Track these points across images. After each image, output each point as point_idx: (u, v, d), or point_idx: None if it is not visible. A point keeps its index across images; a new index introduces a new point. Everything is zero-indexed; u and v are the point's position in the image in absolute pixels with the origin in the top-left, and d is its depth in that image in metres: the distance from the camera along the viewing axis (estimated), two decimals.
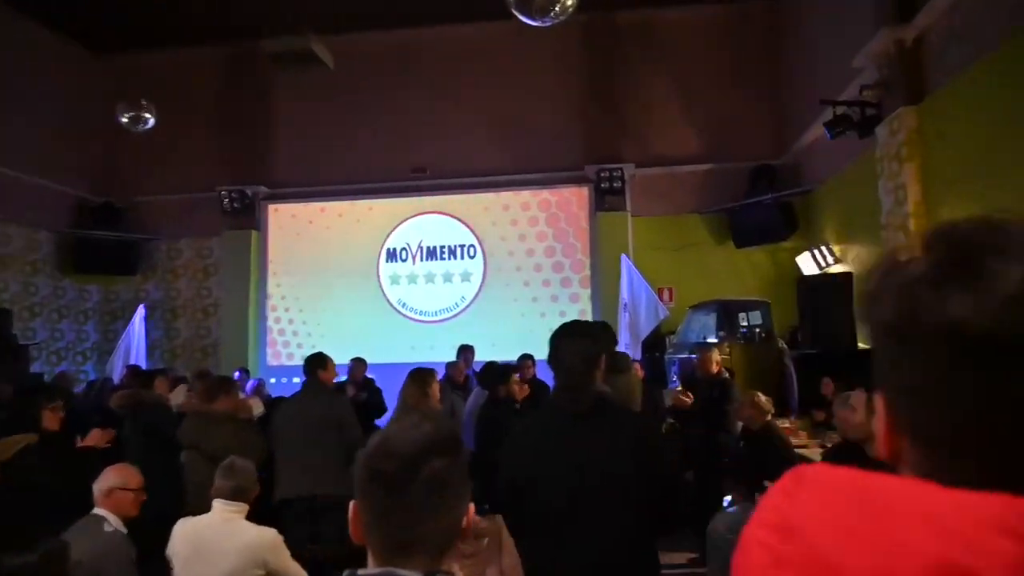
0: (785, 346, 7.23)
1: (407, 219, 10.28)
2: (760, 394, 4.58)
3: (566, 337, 2.35)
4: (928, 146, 5.71)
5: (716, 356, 5.38)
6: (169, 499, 3.84)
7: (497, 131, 10.20)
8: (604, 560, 2.10)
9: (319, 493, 3.81)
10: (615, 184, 9.58)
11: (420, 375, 4.08)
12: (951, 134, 5.45)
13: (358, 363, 7.30)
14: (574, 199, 10.06)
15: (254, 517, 3.94)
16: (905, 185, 5.83)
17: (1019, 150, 4.78)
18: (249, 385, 7.85)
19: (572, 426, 2.21)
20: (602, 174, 9.57)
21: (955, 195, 5.40)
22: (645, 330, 7.89)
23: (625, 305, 8.36)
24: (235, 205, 10.20)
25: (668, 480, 2.28)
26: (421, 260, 10.22)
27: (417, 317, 10.13)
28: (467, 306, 10.07)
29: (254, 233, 10.40)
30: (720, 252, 9.74)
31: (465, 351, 7.62)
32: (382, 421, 6.10)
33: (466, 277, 10.12)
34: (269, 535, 2.97)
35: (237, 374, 8.07)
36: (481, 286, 10.08)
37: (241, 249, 10.31)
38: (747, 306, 7.50)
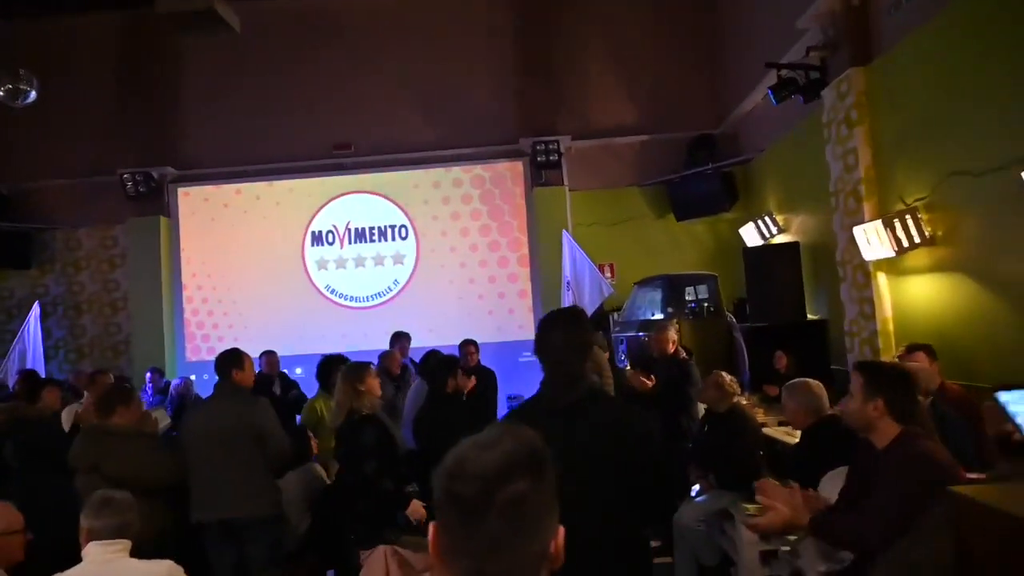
0: (734, 320, 7.04)
1: (332, 199, 9.60)
2: (724, 374, 4.29)
3: (555, 327, 2.19)
4: (878, 109, 5.53)
5: (673, 334, 5.08)
6: (62, 534, 3.24)
7: (425, 103, 9.61)
8: (603, 555, 1.98)
9: (238, 515, 3.27)
10: (551, 157, 9.17)
11: (352, 372, 3.58)
12: (902, 96, 5.27)
13: (269, 357, 6.70)
14: (509, 174, 9.61)
15: (173, 543, 3.40)
16: (856, 149, 5.64)
17: (971, 110, 4.61)
18: (173, 385, 7.05)
19: (565, 420, 2.02)
20: (538, 147, 9.15)
21: (907, 159, 5.23)
22: (590, 308, 7.54)
23: (568, 283, 8.00)
24: (140, 189, 9.27)
25: (663, 470, 2.19)
26: (349, 243, 9.58)
27: (348, 303, 9.52)
28: (401, 290, 9.52)
29: (163, 219, 9.49)
30: (660, 226, 9.51)
31: (400, 339, 7.13)
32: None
33: (398, 259, 9.56)
34: (162, 569, 2.46)
35: (148, 375, 7.32)
36: (415, 268, 9.54)
37: (149, 237, 9.39)
38: (694, 280, 7.27)
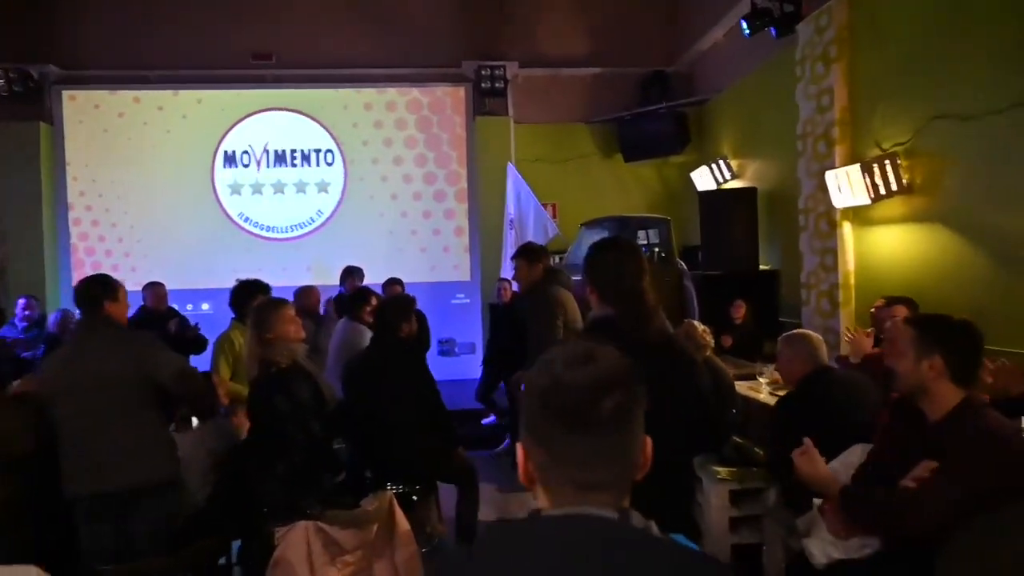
0: (684, 267, 6.67)
1: (248, 116, 8.56)
2: (696, 323, 3.86)
3: (632, 256, 2.02)
4: (859, 45, 5.12)
5: None
6: None
7: (361, 14, 8.62)
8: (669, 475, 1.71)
9: (121, 486, 2.57)
10: (497, 84, 8.44)
11: (258, 316, 2.88)
12: (887, 32, 4.86)
13: (155, 290, 5.83)
14: (449, 100, 8.82)
15: (41, 521, 2.69)
16: (832, 89, 5.24)
17: (960, 49, 4.25)
18: (52, 319, 6.06)
19: (648, 355, 1.52)
20: (483, 71, 8.39)
21: (887, 101, 4.87)
22: None
23: (511, 221, 7.43)
24: (15, 88, 7.94)
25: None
26: (268, 166, 8.62)
27: (264, 234, 8.61)
28: (325, 222, 8.69)
29: (43, 126, 8.21)
30: (607, 166, 9.01)
31: (352, 276, 6.42)
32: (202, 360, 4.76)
33: (323, 187, 8.69)
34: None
35: (22, 302, 6.31)
36: (341, 199, 8.70)
37: (27, 145, 8.10)
38: (646, 223, 6.83)
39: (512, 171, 7.71)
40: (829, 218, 5.31)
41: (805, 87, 5.60)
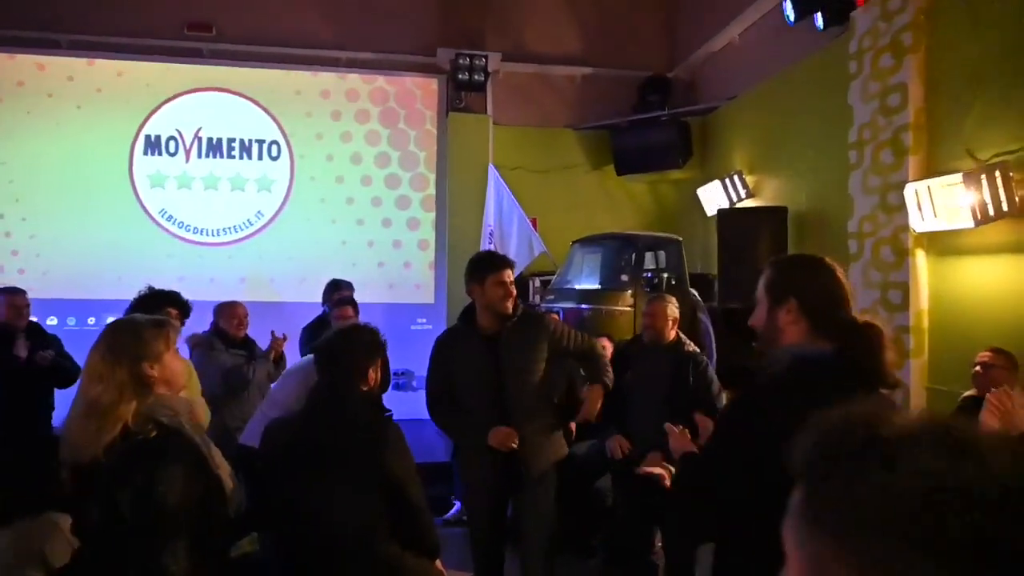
0: (699, 297, 5.59)
1: (178, 96, 7.20)
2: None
3: (834, 272, 1.65)
4: (942, 31, 4.15)
5: (673, 311, 3.46)
6: None
7: None
8: None
9: None
10: (476, 77, 7.30)
11: (126, 332, 1.66)
12: (983, 12, 3.90)
13: (11, 299, 4.12)
14: (419, 92, 7.63)
15: None
16: (905, 86, 4.24)
17: None
18: None
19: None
20: (460, 61, 7.24)
21: (985, 100, 3.88)
22: (518, 268, 5.84)
23: (490, 234, 6.25)
24: None
25: None
26: (199, 156, 7.24)
27: (190, 236, 7.20)
28: (265, 225, 7.33)
29: None
30: (596, 179, 7.94)
31: (340, 290, 4.82)
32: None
33: (265, 185, 7.35)
34: None
35: None
36: (286, 199, 7.38)
37: None
38: (655, 243, 5.72)
39: (494, 175, 6.56)
40: (896, 245, 4.29)
41: (863, 85, 4.61)
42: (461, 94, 7.44)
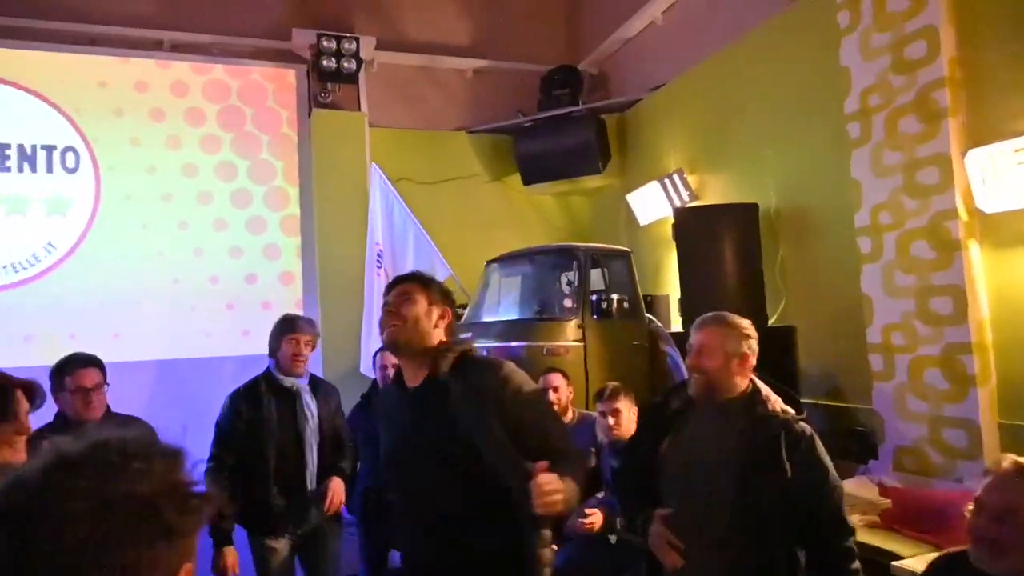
0: (659, 325, 4.34)
1: None
2: None
3: None
4: None
5: (737, 344, 2.07)
6: None
7: None
8: None
9: None
10: (346, 65, 5.80)
11: None
12: None
13: None
14: (271, 86, 5.99)
15: None
16: (935, 28, 3.25)
17: None
18: None
19: None
20: (325, 43, 5.72)
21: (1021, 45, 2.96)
22: None
23: (379, 255, 4.70)
24: None
25: None
26: None
27: None
28: (58, 261, 5.34)
29: None
30: (497, 191, 6.65)
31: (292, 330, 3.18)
32: None
33: (57, 208, 5.38)
34: None
35: None
36: (89, 225, 5.43)
37: None
38: (600, 258, 4.41)
39: (380, 178, 5.04)
40: (937, 237, 3.24)
41: (862, 39, 3.60)
42: (327, 87, 5.89)
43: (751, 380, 2.16)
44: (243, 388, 2.83)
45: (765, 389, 2.18)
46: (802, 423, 2.10)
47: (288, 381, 2.80)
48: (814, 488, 2.02)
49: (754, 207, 4.36)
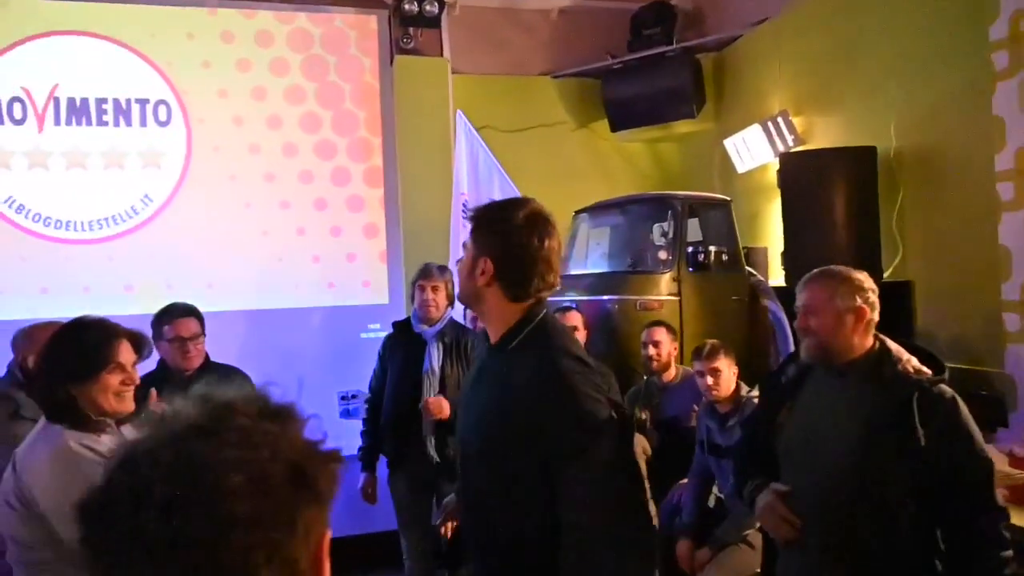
0: (761, 279, 4.06)
1: (20, 42, 5.28)
2: None
3: None
4: None
5: (853, 298, 1.83)
6: None
7: None
8: None
9: None
10: (428, 9, 5.61)
11: None
12: None
13: None
14: (354, 34, 5.88)
15: None
16: None
17: None
18: None
19: None
20: None
21: None
22: None
23: (464, 205, 4.59)
24: None
25: None
26: (56, 124, 5.33)
27: (51, 233, 5.30)
28: (155, 214, 5.49)
29: None
30: (584, 137, 6.38)
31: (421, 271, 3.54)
32: None
33: (151, 160, 5.50)
34: None
35: None
36: (182, 178, 5.54)
37: None
38: (698, 206, 4.15)
39: (465, 126, 4.91)
40: None
41: None
42: (409, 32, 5.73)
43: (877, 338, 1.93)
44: (389, 332, 3.44)
45: (896, 347, 1.94)
46: (942, 385, 1.85)
47: (419, 328, 3.19)
48: (954, 459, 1.78)
49: (871, 150, 3.96)
